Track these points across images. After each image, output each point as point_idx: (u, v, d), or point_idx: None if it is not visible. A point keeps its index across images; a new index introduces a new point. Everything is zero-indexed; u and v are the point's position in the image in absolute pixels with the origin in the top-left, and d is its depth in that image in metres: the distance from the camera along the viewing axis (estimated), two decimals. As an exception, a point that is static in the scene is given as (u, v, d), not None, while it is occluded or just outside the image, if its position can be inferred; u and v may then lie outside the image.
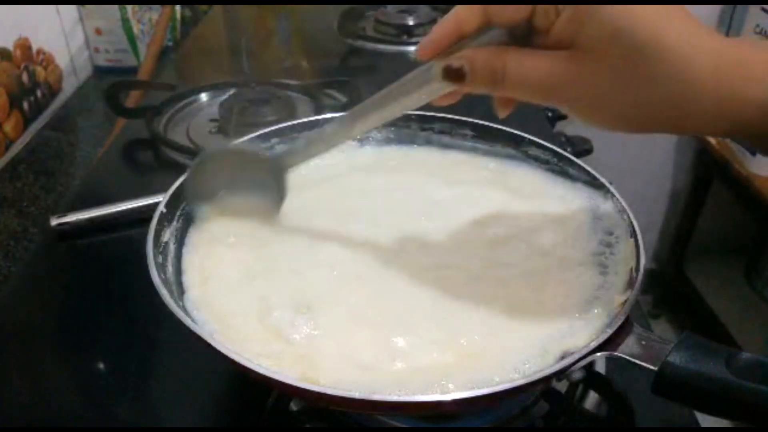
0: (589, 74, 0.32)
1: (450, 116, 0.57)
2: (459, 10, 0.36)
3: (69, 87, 1.03)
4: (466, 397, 0.33)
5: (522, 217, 0.51)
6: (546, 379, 0.35)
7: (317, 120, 0.57)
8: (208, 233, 0.48)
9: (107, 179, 0.77)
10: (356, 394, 0.34)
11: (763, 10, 1.33)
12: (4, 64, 0.86)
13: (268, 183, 0.48)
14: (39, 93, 0.94)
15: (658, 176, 1.74)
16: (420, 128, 0.58)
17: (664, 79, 0.31)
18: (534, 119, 0.84)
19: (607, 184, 0.50)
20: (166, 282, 0.41)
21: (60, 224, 0.64)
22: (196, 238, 0.48)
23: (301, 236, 0.48)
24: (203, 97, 0.90)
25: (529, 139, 0.55)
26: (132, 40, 1.09)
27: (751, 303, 1.56)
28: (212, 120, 0.84)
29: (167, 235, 0.46)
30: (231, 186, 0.49)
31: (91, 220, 0.65)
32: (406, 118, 0.58)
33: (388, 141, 0.59)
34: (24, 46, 0.90)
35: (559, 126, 0.89)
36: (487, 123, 0.56)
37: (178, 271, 0.45)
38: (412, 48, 1.12)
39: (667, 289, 1.78)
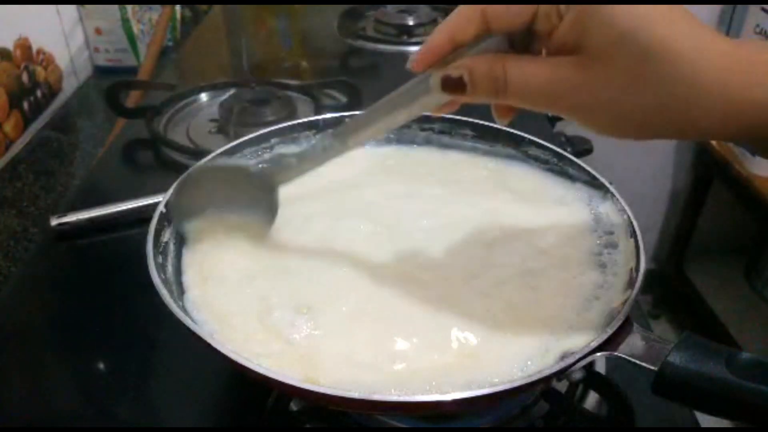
0: (594, 79, 0.31)
1: (450, 116, 0.57)
2: (454, 18, 0.34)
3: (69, 87, 1.03)
4: (466, 397, 0.33)
5: (522, 217, 0.51)
6: (546, 379, 0.35)
7: (317, 120, 0.57)
8: (201, 254, 0.47)
9: (107, 179, 0.77)
10: (356, 394, 0.34)
11: (763, 10, 1.33)
12: (4, 64, 0.86)
13: (258, 199, 0.47)
14: (39, 93, 0.94)
15: (658, 176, 1.74)
16: (420, 128, 0.58)
17: (671, 83, 0.30)
18: (534, 119, 0.84)
19: (607, 184, 0.50)
20: (166, 282, 0.41)
21: (60, 224, 0.64)
22: (190, 258, 0.47)
23: (301, 237, 0.48)
24: (203, 97, 0.90)
25: (529, 139, 0.55)
26: (132, 40, 1.09)
27: (751, 303, 1.56)
28: (212, 120, 0.84)
29: (167, 235, 0.46)
30: (219, 203, 0.47)
31: (91, 220, 0.65)
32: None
33: (387, 141, 0.59)
34: (24, 46, 0.90)
35: (559, 126, 0.89)
36: (487, 123, 0.56)
37: (178, 271, 0.45)
38: (412, 48, 1.12)
39: (667, 289, 1.78)
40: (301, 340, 0.40)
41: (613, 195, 0.49)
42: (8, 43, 0.87)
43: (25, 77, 0.90)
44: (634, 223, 0.45)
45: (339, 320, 0.42)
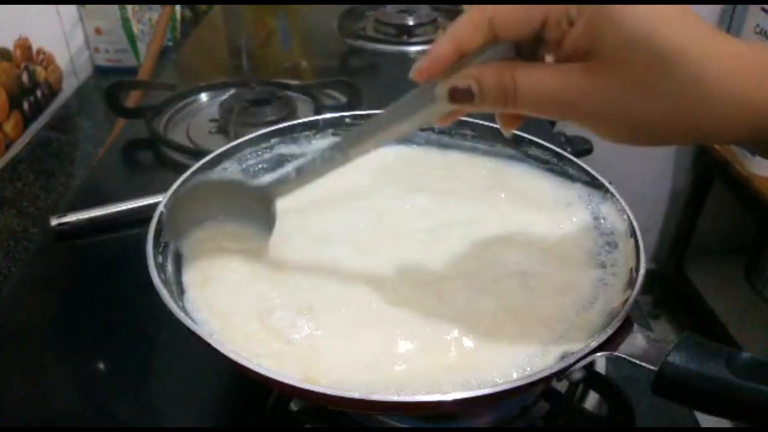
0: (606, 86, 0.30)
1: (450, 116, 0.57)
2: (459, 26, 0.33)
3: (69, 87, 1.03)
4: (466, 397, 0.33)
5: (521, 217, 0.51)
6: (546, 379, 0.35)
7: (317, 120, 0.57)
8: (201, 259, 0.46)
9: (107, 179, 0.77)
10: (356, 395, 0.34)
11: (763, 10, 1.33)
12: (4, 64, 0.86)
13: (255, 212, 0.45)
14: (39, 93, 0.94)
15: (658, 176, 1.74)
16: (420, 128, 0.58)
17: (683, 88, 0.29)
18: (534, 119, 0.84)
19: (607, 184, 0.50)
20: (166, 282, 0.41)
21: (60, 224, 0.64)
22: (189, 263, 0.46)
23: (302, 237, 0.48)
24: (203, 97, 0.90)
25: (529, 139, 0.55)
26: (132, 40, 1.09)
27: (751, 303, 1.56)
28: (212, 120, 0.85)
29: (167, 235, 0.46)
30: (216, 217, 0.46)
31: (91, 220, 0.65)
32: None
33: (388, 141, 0.59)
34: (24, 46, 0.90)
35: (559, 126, 0.89)
36: (487, 123, 0.56)
37: (178, 271, 0.45)
38: (412, 48, 1.12)
39: (667, 289, 1.78)
40: (302, 341, 0.40)
41: (613, 195, 0.49)
42: (8, 43, 0.87)
43: (25, 77, 0.90)
44: (634, 223, 0.45)
45: (340, 321, 0.42)
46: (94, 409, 0.48)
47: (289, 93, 0.89)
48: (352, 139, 0.41)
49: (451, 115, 0.37)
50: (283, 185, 0.44)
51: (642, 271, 0.41)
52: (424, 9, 1.19)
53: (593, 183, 0.51)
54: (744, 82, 0.29)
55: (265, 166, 0.55)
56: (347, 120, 0.58)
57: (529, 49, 0.33)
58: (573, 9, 0.31)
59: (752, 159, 1.37)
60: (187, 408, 0.48)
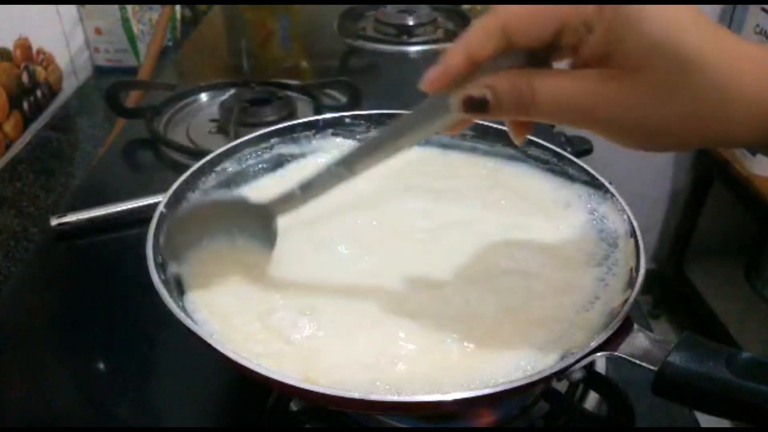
0: (626, 91, 0.30)
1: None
2: (472, 35, 0.32)
3: (69, 87, 1.03)
4: (466, 397, 0.33)
5: (521, 217, 0.51)
6: (546, 379, 0.35)
7: (317, 120, 0.57)
8: (204, 301, 0.43)
9: (107, 179, 0.77)
10: (356, 394, 0.33)
11: (763, 10, 1.33)
12: (4, 64, 0.86)
13: (256, 229, 0.44)
14: (39, 93, 0.94)
15: (658, 176, 1.74)
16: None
17: (704, 92, 0.29)
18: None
19: (607, 184, 0.50)
20: (166, 282, 0.41)
21: (60, 224, 0.64)
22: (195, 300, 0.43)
23: (301, 237, 0.48)
24: (203, 97, 0.90)
25: (529, 139, 0.55)
26: (132, 40, 1.09)
27: (751, 303, 1.56)
28: (212, 120, 0.85)
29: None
30: (215, 235, 0.45)
31: (91, 220, 0.65)
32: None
33: (388, 141, 0.59)
34: (24, 46, 0.90)
35: (559, 126, 0.89)
36: (487, 123, 0.56)
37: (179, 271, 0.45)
38: (412, 48, 1.12)
39: (667, 289, 1.78)
40: (303, 341, 0.40)
41: (613, 195, 0.49)
42: (8, 43, 0.87)
43: (25, 77, 0.90)
44: (634, 223, 0.45)
45: (341, 321, 0.42)
46: (94, 409, 0.48)
47: (289, 93, 0.89)
48: (358, 154, 0.39)
49: (461, 123, 0.36)
50: (287, 202, 0.43)
51: (642, 271, 0.41)
52: (424, 9, 1.19)
53: (593, 183, 0.51)
54: (758, 83, 0.29)
55: (265, 166, 0.55)
56: (347, 120, 0.58)
57: (540, 56, 0.32)
58: (591, 15, 0.30)
59: (752, 159, 1.37)
60: (187, 408, 0.48)
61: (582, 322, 0.41)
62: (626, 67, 0.30)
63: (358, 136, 0.58)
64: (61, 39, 1.01)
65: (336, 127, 0.58)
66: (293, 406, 0.43)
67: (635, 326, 0.37)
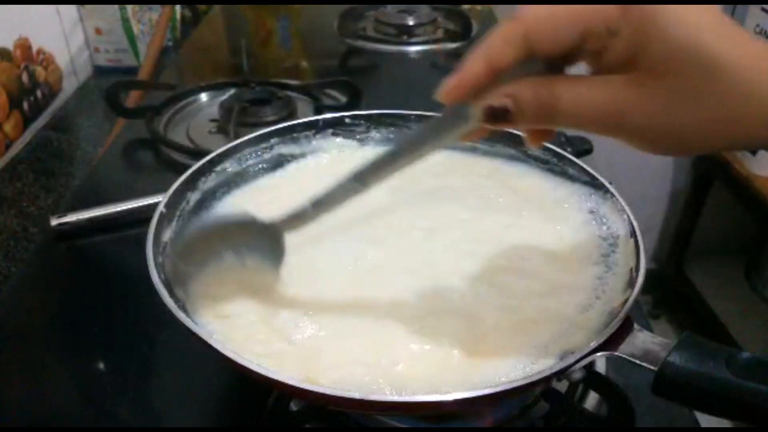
0: (655, 97, 0.29)
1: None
2: (491, 43, 0.31)
3: (69, 87, 1.03)
4: (467, 398, 0.33)
5: (521, 217, 0.51)
6: (546, 379, 0.35)
7: (317, 120, 0.57)
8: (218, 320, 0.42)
9: (107, 179, 0.77)
10: (356, 394, 0.33)
11: (763, 10, 1.33)
12: (4, 64, 0.86)
13: (263, 247, 0.43)
14: (39, 93, 0.94)
15: (658, 176, 1.74)
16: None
17: (730, 94, 0.29)
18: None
19: (607, 184, 0.50)
20: (166, 282, 0.41)
21: (60, 224, 0.64)
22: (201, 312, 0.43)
23: (301, 236, 0.48)
24: (203, 97, 0.90)
25: (529, 139, 0.55)
26: (132, 40, 1.09)
27: (751, 303, 1.56)
28: (212, 120, 0.85)
29: (167, 235, 0.46)
30: (222, 255, 0.43)
31: (91, 220, 0.65)
32: (406, 119, 0.58)
33: (387, 141, 0.59)
34: (24, 46, 0.90)
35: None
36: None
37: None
38: (412, 48, 1.12)
39: (667, 289, 1.78)
40: (304, 341, 0.40)
41: (613, 195, 0.49)
42: (8, 43, 0.87)
43: (25, 77, 0.90)
44: (634, 223, 0.45)
45: (341, 321, 0.42)
46: (94, 409, 0.48)
47: (289, 93, 0.89)
48: (372, 168, 0.38)
49: (477, 132, 0.35)
50: (297, 220, 0.42)
51: (642, 271, 0.41)
52: (424, 9, 1.19)
53: (593, 183, 0.51)
54: None
55: (265, 166, 0.55)
56: (347, 120, 0.58)
57: (556, 62, 0.31)
58: (615, 18, 0.29)
59: (752, 159, 1.37)
60: (187, 408, 0.48)
61: (582, 322, 0.41)
62: (653, 71, 0.29)
63: (358, 136, 0.58)
64: (61, 39, 1.01)
65: (336, 127, 0.58)
66: (293, 406, 0.43)
67: (635, 326, 0.37)
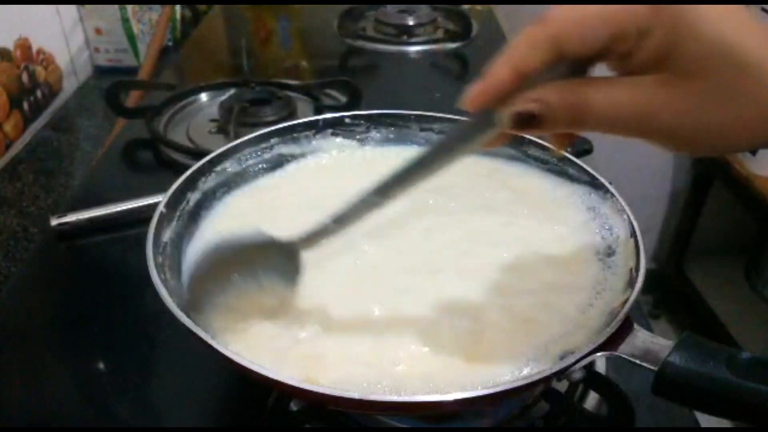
0: (688, 97, 0.29)
1: (450, 116, 0.57)
2: (517, 46, 0.31)
3: (69, 87, 1.03)
4: (467, 397, 0.33)
5: (521, 217, 0.51)
6: (546, 379, 0.35)
7: (317, 120, 0.57)
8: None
9: (107, 179, 0.77)
10: (356, 394, 0.33)
11: (763, 10, 1.33)
12: (4, 64, 0.86)
13: (278, 267, 0.42)
14: (39, 93, 0.94)
15: (658, 176, 1.74)
16: (420, 128, 0.58)
17: (760, 92, 0.28)
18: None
19: (607, 184, 0.50)
20: (166, 282, 0.41)
21: (60, 224, 0.64)
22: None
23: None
24: (203, 97, 0.90)
25: (529, 139, 0.55)
26: (132, 40, 1.09)
27: (751, 303, 1.56)
28: (212, 120, 0.85)
29: (167, 235, 0.46)
30: (233, 278, 0.42)
31: (91, 220, 0.65)
32: (406, 119, 0.58)
33: (387, 141, 0.59)
34: (24, 46, 0.90)
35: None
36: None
37: (179, 272, 0.45)
38: (412, 48, 1.12)
39: (667, 289, 1.78)
40: (304, 341, 0.40)
41: (613, 195, 0.49)
42: (8, 43, 0.87)
43: (25, 77, 0.90)
44: (634, 223, 0.45)
45: (342, 322, 0.42)
46: (94, 409, 0.48)
47: (289, 93, 0.89)
48: (395, 181, 0.38)
49: (499, 138, 0.34)
50: (317, 236, 0.41)
51: (642, 271, 0.41)
52: (424, 9, 1.19)
53: (593, 183, 0.51)
54: None
55: (265, 166, 0.55)
56: (347, 120, 0.58)
57: (582, 64, 0.31)
58: (646, 19, 0.29)
59: (752, 159, 1.37)
60: (187, 408, 0.48)
61: (582, 322, 0.41)
62: (685, 71, 0.29)
63: (358, 136, 0.58)
64: (61, 39, 1.01)
65: (336, 127, 0.58)
66: (293, 406, 0.43)
67: (635, 326, 0.37)
